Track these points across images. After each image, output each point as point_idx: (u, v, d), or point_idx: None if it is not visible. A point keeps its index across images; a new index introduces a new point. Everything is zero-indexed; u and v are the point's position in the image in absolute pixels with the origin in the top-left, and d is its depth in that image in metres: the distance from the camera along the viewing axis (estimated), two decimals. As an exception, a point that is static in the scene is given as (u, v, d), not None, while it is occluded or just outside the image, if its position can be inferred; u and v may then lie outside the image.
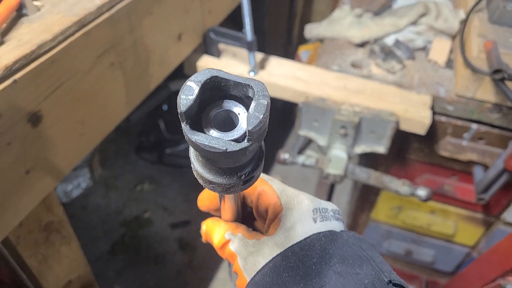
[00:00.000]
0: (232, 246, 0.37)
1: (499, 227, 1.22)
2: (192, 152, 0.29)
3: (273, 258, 0.34)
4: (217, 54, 1.00)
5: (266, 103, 0.25)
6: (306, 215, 0.35)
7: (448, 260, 1.48)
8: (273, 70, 0.98)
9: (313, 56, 1.82)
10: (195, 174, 0.30)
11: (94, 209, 2.03)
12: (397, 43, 1.02)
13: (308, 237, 0.34)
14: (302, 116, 0.93)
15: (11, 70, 0.50)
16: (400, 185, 0.90)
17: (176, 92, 1.33)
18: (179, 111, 0.25)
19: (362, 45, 1.07)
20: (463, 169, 1.10)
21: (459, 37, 0.97)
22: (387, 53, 1.00)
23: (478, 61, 0.87)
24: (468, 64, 0.88)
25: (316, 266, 0.32)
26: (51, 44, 0.53)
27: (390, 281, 0.31)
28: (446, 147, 1.02)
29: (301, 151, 2.31)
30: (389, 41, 1.04)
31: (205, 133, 0.26)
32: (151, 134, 2.40)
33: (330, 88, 0.93)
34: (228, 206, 0.38)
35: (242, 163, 0.28)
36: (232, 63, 0.99)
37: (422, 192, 0.88)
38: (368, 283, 0.31)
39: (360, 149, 0.93)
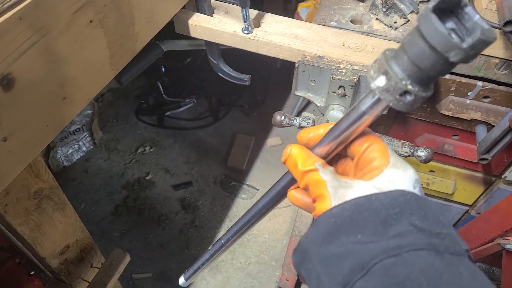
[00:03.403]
0: (323, 174, 0.38)
1: (499, 186, 1.20)
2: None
3: (357, 198, 0.35)
4: (209, 11, 0.94)
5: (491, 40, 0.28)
6: (409, 180, 0.36)
7: (447, 219, 1.48)
8: (269, 28, 0.93)
9: (312, 12, 1.73)
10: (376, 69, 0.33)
11: (96, 172, 2.05)
12: (401, -6, 0.95)
13: (394, 190, 0.35)
14: (298, 76, 0.88)
15: (-26, 29, 0.46)
16: (399, 146, 0.87)
17: (171, 52, 1.27)
18: None
19: (363, -2, 1.00)
20: (465, 128, 1.06)
21: (469, -14, 0.90)
22: (390, 7, 0.93)
23: (488, 13, 0.80)
24: (476, 16, 0.81)
25: (397, 216, 0.33)
26: (17, -1, 0.49)
27: (467, 250, 0.32)
28: (449, 106, 0.98)
29: (301, 112, 2.27)
30: (393, -8, 0.97)
31: None
32: (150, 97, 2.37)
33: (328, 46, 0.88)
34: (332, 144, 0.39)
35: (431, 73, 0.30)
36: (224, 21, 0.93)
37: (422, 153, 0.85)
38: (449, 245, 0.31)
39: (358, 109, 0.89)
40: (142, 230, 1.85)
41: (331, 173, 0.38)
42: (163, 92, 2.26)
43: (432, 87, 0.33)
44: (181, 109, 2.33)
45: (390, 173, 0.36)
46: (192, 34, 0.95)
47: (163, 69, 2.26)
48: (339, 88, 0.85)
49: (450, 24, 0.30)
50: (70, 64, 0.61)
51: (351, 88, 0.84)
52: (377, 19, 0.95)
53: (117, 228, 1.86)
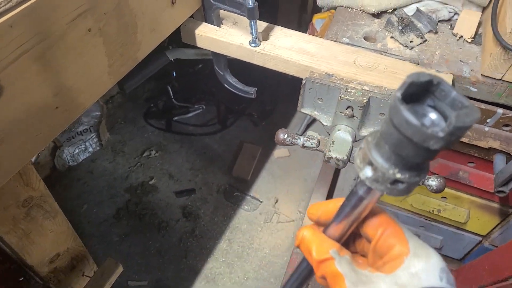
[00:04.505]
0: (339, 267, 0.35)
1: (515, 219, 1.14)
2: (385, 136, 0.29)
3: None
4: (217, 21, 0.91)
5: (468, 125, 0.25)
6: (434, 270, 0.33)
7: (457, 247, 1.42)
8: (277, 41, 0.89)
9: (327, 24, 1.70)
10: (360, 168, 0.31)
11: (101, 174, 2.04)
12: (418, 13, 0.90)
13: None
14: (305, 93, 0.84)
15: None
16: (408, 173, 0.82)
17: (180, 61, 1.25)
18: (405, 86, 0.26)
19: (378, 15, 0.96)
20: (482, 156, 1.01)
21: (492, 8, 0.85)
22: (406, 25, 0.89)
23: None
24: (499, 40, 0.77)
25: None
26: (7, 5, 0.46)
27: None
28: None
29: (310, 125, 2.21)
30: (410, 11, 0.93)
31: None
32: (160, 100, 2.36)
33: (338, 63, 0.84)
34: (344, 224, 0.37)
35: (417, 160, 0.28)
36: (232, 32, 0.90)
37: (433, 182, 0.80)
38: None
39: (367, 131, 0.85)
40: (141, 235, 1.83)
41: (348, 264, 0.35)
42: (172, 97, 2.25)
43: (427, 167, 0.30)
44: (190, 114, 2.31)
45: (411, 264, 0.33)
46: (199, 44, 0.92)
47: (174, 74, 2.25)
48: (347, 108, 0.81)
49: (429, 101, 0.28)
50: (65, 73, 0.58)
51: (360, 109, 0.80)
52: (392, 37, 0.91)
53: (117, 231, 1.84)
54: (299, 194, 2.00)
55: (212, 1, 0.87)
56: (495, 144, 0.92)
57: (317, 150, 0.86)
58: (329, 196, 1.99)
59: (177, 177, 2.06)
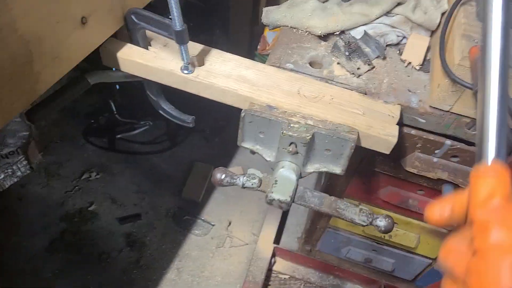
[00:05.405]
0: None
1: (465, 245, 1.12)
2: None
3: None
4: (143, 42, 0.80)
5: None
6: None
7: (408, 270, 1.41)
8: (214, 67, 0.79)
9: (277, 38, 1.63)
10: None
11: (32, 201, 1.83)
12: (366, 36, 0.84)
13: None
14: (244, 127, 0.75)
15: None
16: (356, 214, 0.75)
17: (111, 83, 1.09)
18: None
19: (325, 37, 0.89)
20: (432, 186, 0.97)
21: (440, 34, 0.80)
22: (353, 50, 0.83)
23: (460, 70, 0.71)
24: (448, 73, 0.72)
25: None
26: None
27: None
28: (414, 163, 0.89)
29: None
30: (357, 34, 0.87)
31: None
32: (101, 116, 2.17)
33: (281, 94, 0.76)
34: None
35: None
36: (161, 56, 0.79)
37: (381, 223, 0.75)
38: None
39: (313, 168, 0.77)
40: (79, 269, 1.65)
41: None
42: (115, 112, 2.08)
43: None
44: (135, 131, 2.15)
45: None
46: (123, 69, 0.80)
47: (117, 87, 2.08)
48: (290, 144, 0.73)
49: None
50: None
51: (304, 146, 0.71)
52: (338, 63, 0.84)
53: (51, 266, 1.65)
54: (253, 215, 1.90)
55: (135, 20, 0.75)
56: (443, 175, 0.88)
57: (258, 190, 0.77)
58: (284, 215, 1.91)
59: (121, 201, 1.89)
